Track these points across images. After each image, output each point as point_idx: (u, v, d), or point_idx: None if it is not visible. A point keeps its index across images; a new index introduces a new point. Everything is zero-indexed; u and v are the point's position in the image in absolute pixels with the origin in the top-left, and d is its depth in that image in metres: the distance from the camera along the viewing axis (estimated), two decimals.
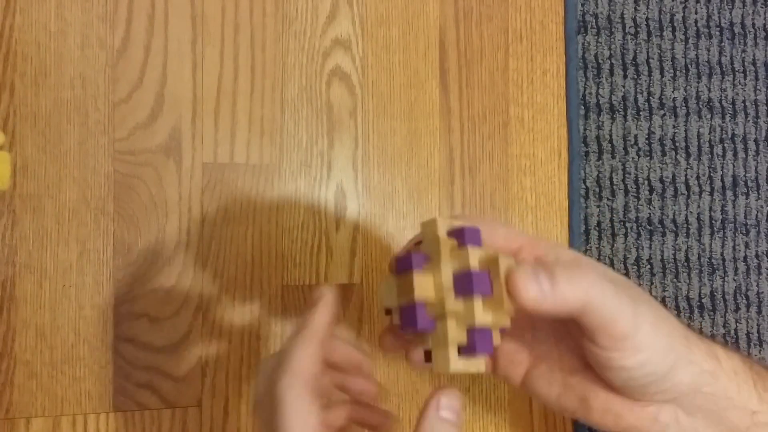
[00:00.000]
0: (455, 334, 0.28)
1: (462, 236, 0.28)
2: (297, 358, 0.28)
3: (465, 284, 0.28)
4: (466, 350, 0.28)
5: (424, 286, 0.28)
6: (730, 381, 0.31)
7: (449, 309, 0.28)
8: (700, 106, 0.56)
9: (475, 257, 0.28)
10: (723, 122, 0.56)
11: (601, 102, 0.53)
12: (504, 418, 0.50)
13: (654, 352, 0.29)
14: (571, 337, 0.33)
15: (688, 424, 0.32)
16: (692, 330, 0.33)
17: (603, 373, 0.31)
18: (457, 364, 0.28)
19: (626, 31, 0.54)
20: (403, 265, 0.29)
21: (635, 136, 0.54)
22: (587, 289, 0.28)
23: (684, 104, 0.55)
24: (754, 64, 0.57)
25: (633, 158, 0.54)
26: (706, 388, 0.31)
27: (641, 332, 0.29)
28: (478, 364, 0.28)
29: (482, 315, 0.28)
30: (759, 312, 0.56)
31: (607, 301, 0.28)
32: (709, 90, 0.56)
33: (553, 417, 0.51)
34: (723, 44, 0.57)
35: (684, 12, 0.56)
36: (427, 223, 0.29)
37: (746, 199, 0.56)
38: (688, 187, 0.55)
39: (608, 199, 0.53)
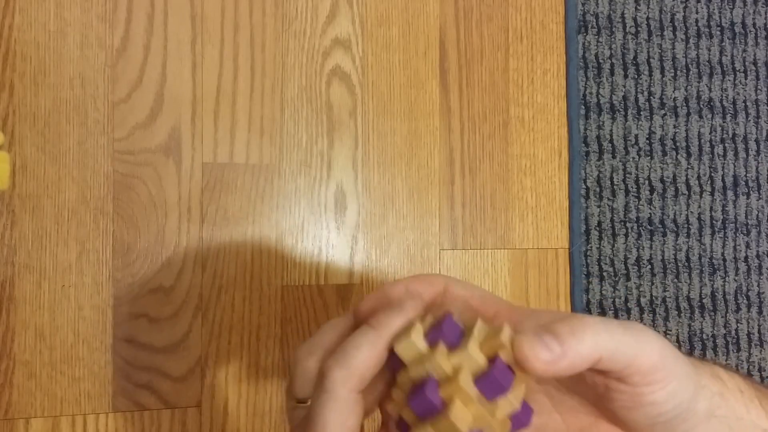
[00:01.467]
0: None
1: (442, 333, 0.27)
2: (361, 356, 0.26)
3: (492, 387, 0.26)
4: None
5: (462, 416, 0.25)
6: (737, 401, 0.31)
7: (485, 417, 0.26)
8: (701, 105, 0.56)
9: (476, 350, 0.26)
10: (724, 122, 0.56)
11: (601, 102, 0.53)
12: None
13: (680, 379, 0.28)
14: (578, 393, 0.32)
15: None
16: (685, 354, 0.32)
17: (630, 416, 0.30)
18: None
19: (627, 30, 0.54)
20: (422, 405, 0.26)
21: (636, 136, 0.54)
22: (595, 336, 0.27)
23: (684, 104, 0.55)
24: (754, 63, 0.57)
25: (633, 158, 0.54)
26: (718, 411, 0.31)
27: (667, 360, 0.28)
28: None
29: (514, 401, 0.26)
30: (760, 312, 0.56)
31: (621, 340, 0.27)
32: (710, 90, 0.56)
33: None
34: (723, 44, 0.57)
35: (684, 12, 0.56)
36: (403, 346, 0.27)
37: (747, 199, 0.56)
38: (688, 187, 0.55)
39: (609, 199, 0.53)
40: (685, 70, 0.55)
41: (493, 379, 0.26)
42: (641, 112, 0.54)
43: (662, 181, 0.54)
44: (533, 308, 0.30)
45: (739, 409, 0.31)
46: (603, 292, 0.52)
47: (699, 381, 0.30)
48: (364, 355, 0.26)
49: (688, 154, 0.55)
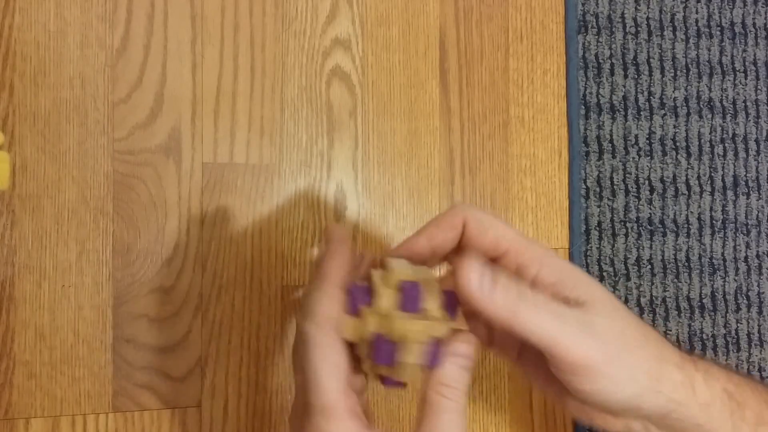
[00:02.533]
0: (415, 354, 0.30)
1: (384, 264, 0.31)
2: (319, 303, 0.30)
3: (408, 297, 0.30)
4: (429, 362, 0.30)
5: (373, 320, 0.30)
6: (701, 411, 0.32)
7: (399, 329, 0.29)
8: (701, 105, 0.56)
9: (403, 273, 0.31)
10: (724, 122, 0.56)
11: (601, 102, 0.53)
12: (504, 419, 0.50)
13: (611, 382, 0.30)
14: None
15: None
16: (684, 356, 0.33)
17: (567, 395, 0.32)
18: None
19: (627, 30, 0.54)
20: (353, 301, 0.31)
21: (636, 136, 0.54)
22: (531, 312, 0.29)
23: (685, 104, 0.55)
24: (754, 63, 0.57)
25: (633, 158, 0.54)
26: (674, 414, 0.32)
27: (598, 363, 0.29)
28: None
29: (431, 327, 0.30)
30: (760, 312, 0.56)
31: (560, 332, 0.29)
32: (710, 90, 0.56)
33: (553, 418, 0.51)
34: (724, 44, 0.57)
35: (684, 11, 0.56)
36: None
37: (747, 199, 0.56)
38: (688, 187, 0.55)
39: (609, 199, 0.53)
40: (685, 70, 0.55)
41: (407, 289, 0.30)
42: (641, 112, 0.54)
43: (662, 181, 0.54)
44: (547, 252, 0.32)
45: (699, 418, 0.32)
46: None
47: (654, 388, 0.31)
48: (324, 304, 0.30)
49: (688, 154, 0.55)
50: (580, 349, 0.29)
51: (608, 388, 0.30)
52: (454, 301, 0.31)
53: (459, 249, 0.34)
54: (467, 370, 0.30)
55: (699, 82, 0.56)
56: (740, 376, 0.34)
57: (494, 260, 0.33)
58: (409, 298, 0.30)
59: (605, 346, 0.30)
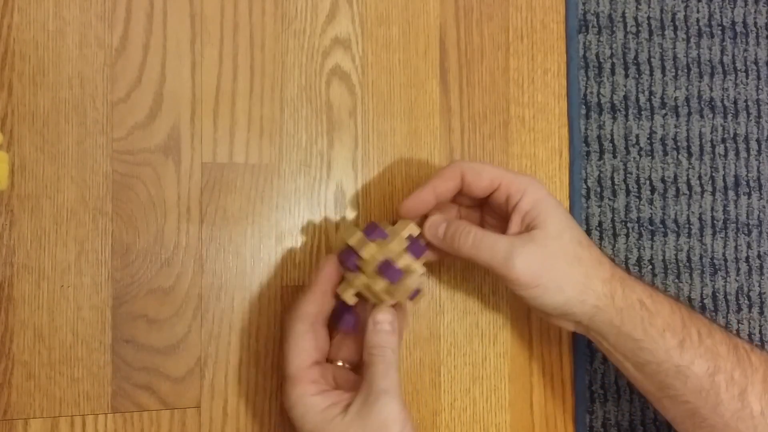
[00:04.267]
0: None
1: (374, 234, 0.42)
2: (303, 303, 0.40)
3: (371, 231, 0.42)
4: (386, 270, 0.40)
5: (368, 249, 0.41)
6: (617, 314, 0.41)
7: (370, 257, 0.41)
8: (702, 105, 0.55)
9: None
10: (725, 122, 0.56)
11: (602, 101, 0.53)
12: (504, 419, 0.49)
13: (542, 291, 0.41)
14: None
15: (594, 334, 0.43)
16: (615, 273, 0.42)
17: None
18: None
19: (627, 30, 0.54)
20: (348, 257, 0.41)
21: (636, 136, 0.54)
22: (471, 248, 0.41)
23: (685, 104, 0.55)
24: (756, 63, 0.57)
25: (634, 158, 0.53)
26: (596, 317, 0.42)
27: (525, 277, 0.40)
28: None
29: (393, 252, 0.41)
30: (761, 312, 0.56)
31: (498, 253, 0.40)
32: (711, 89, 0.56)
33: (554, 418, 0.51)
34: (725, 43, 0.56)
35: (685, 11, 0.56)
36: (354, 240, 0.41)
37: (748, 199, 0.56)
38: (689, 187, 0.55)
39: (609, 199, 0.53)
40: (685, 70, 0.55)
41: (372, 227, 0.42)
42: (642, 112, 0.54)
43: (663, 181, 0.54)
44: (530, 182, 0.43)
45: (615, 320, 0.41)
46: None
47: (579, 297, 0.41)
48: (306, 303, 0.40)
49: (689, 154, 0.55)
50: (508, 268, 0.40)
51: (541, 297, 0.41)
52: (418, 246, 0.42)
53: (459, 194, 0.44)
54: (389, 333, 0.40)
55: (700, 82, 0.56)
56: (664, 295, 0.43)
57: (490, 195, 0.43)
58: (372, 230, 0.42)
59: (532, 265, 0.40)
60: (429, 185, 0.43)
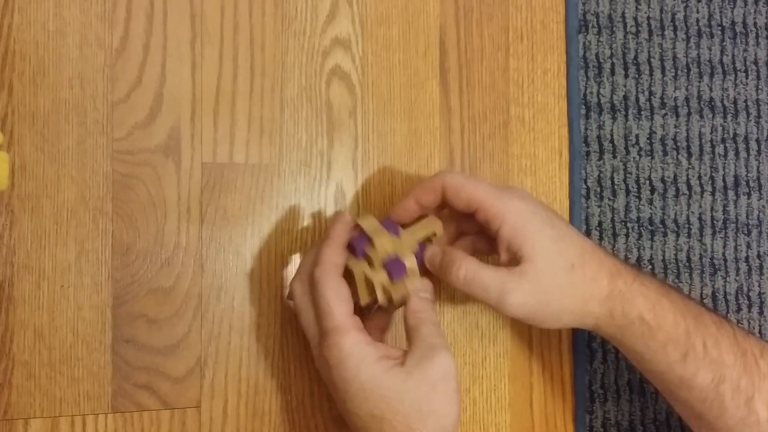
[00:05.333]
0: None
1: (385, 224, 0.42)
2: (326, 254, 0.39)
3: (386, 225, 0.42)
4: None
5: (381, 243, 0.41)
6: (617, 331, 0.42)
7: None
8: (702, 105, 0.56)
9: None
10: (724, 122, 0.56)
11: (602, 101, 0.53)
12: (504, 419, 0.50)
13: (541, 321, 0.42)
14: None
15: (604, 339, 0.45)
16: (614, 289, 0.41)
17: None
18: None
19: (627, 30, 0.54)
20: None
21: (636, 136, 0.54)
22: (459, 284, 0.41)
23: (685, 104, 0.55)
24: (755, 63, 0.57)
25: (634, 158, 0.53)
26: (598, 331, 0.42)
27: (521, 315, 0.41)
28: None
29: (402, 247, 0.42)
30: (761, 312, 0.56)
31: (480, 295, 0.41)
32: (711, 89, 0.56)
33: (554, 418, 0.51)
34: (724, 43, 0.56)
35: (685, 11, 0.56)
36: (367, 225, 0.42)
37: (748, 199, 0.56)
38: (689, 187, 0.55)
39: (609, 199, 0.53)
40: (685, 70, 0.55)
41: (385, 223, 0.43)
42: (642, 112, 0.54)
43: (663, 181, 0.54)
44: (511, 200, 0.41)
45: (617, 335, 0.42)
46: None
47: (575, 320, 0.42)
48: (329, 254, 0.40)
49: (689, 154, 0.55)
50: (505, 307, 0.40)
51: (539, 325, 0.42)
52: (421, 253, 0.43)
53: (443, 206, 0.43)
54: (428, 301, 0.41)
55: (700, 82, 0.56)
56: (670, 303, 0.42)
57: (471, 215, 0.42)
58: (388, 224, 0.42)
59: (528, 302, 0.40)
60: (412, 195, 0.43)
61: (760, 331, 0.56)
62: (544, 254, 0.40)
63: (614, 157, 0.53)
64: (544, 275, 0.40)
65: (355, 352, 0.37)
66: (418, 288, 0.41)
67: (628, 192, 0.53)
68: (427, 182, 0.43)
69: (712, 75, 0.56)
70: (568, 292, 0.41)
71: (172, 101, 0.44)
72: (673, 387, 0.42)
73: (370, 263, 0.41)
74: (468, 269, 0.40)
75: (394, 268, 0.40)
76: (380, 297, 0.40)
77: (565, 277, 0.41)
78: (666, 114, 0.55)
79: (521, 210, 0.41)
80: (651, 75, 0.54)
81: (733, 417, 0.41)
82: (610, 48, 0.53)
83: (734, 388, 0.40)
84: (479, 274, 0.40)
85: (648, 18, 0.55)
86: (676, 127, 0.55)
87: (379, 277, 0.40)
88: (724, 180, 0.56)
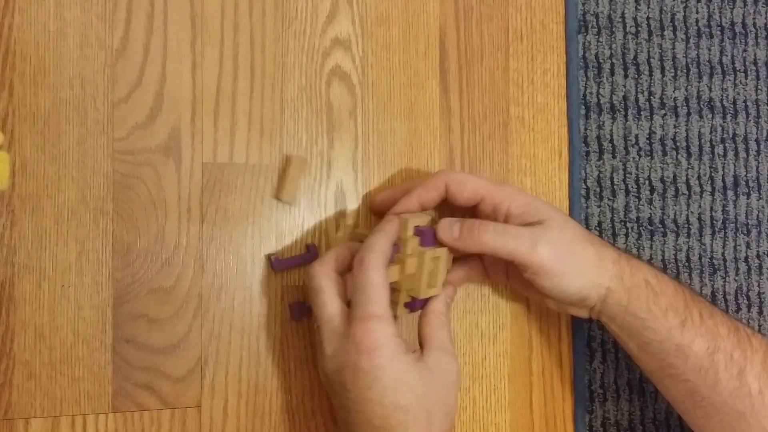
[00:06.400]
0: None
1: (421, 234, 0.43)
2: (379, 242, 0.40)
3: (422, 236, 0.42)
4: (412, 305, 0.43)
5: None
6: (625, 293, 0.43)
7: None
8: (701, 105, 0.56)
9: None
10: (724, 122, 0.56)
11: (601, 102, 0.53)
12: (504, 419, 0.50)
13: (564, 277, 0.42)
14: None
15: (605, 318, 0.45)
16: (621, 254, 0.44)
17: (531, 290, 0.44)
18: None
19: (627, 30, 0.54)
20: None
21: (636, 136, 0.54)
22: (492, 240, 0.41)
23: (685, 104, 0.55)
24: (755, 63, 0.57)
25: (634, 158, 0.54)
26: (608, 299, 0.43)
27: (551, 263, 0.41)
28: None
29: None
30: (760, 312, 0.56)
31: (517, 244, 0.41)
32: (710, 90, 0.56)
33: (554, 418, 0.51)
34: (724, 44, 0.57)
35: (685, 11, 0.56)
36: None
37: (747, 199, 0.56)
38: (689, 187, 0.55)
39: (609, 199, 0.53)
40: (685, 70, 0.55)
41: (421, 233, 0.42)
42: (641, 112, 0.54)
43: (662, 181, 0.54)
44: (516, 191, 0.44)
45: (623, 300, 0.43)
46: None
47: (596, 280, 0.42)
48: (382, 241, 0.40)
49: (689, 154, 0.55)
50: (536, 255, 0.41)
51: (563, 282, 0.42)
52: (430, 237, 0.43)
53: (444, 203, 0.44)
54: (450, 307, 0.43)
55: (699, 82, 0.56)
56: (668, 276, 0.44)
57: (475, 206, 0.44)
58: (426, 236, 0.43)
59: (556, 251, 0.41)
60: (414, 194, 0.43)
61: (759, 331, 0.56)
62: (557, 216, 0.43)
63: (614, 157, 0.53)
64: (566, 228, 0.43)
65: (393, 342, 0.38)
66: (448, 292, 0.43)
67: (627, 192, 0.53)
68: (429, 181, 0.43)
69: (711, 75, 0.56)
70: (587, 245, 0.43)
71: (173, 101, 0.44)
72: (671, 357, 0.43)
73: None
74: (496, 226, 0.42)
75: (423, 235, 0.42)
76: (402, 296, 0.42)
77: (582, 233, 0.44)
78: (666, 114, 0.55)
79: (525, 194, 0.44)
80: (651, 75, 0.54)
81: (727, 388, 0.42)
82: (610, 48, 0.54)
83: (727, 358, 0.42)
84: (508, 228, 0.42)
85: (648, 18, 0.55)
86: (675, 127, 0.55)
87: (410, 264, 0.42)
88: (723, 180, 0.56)
